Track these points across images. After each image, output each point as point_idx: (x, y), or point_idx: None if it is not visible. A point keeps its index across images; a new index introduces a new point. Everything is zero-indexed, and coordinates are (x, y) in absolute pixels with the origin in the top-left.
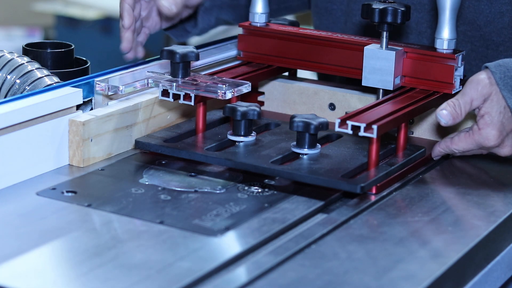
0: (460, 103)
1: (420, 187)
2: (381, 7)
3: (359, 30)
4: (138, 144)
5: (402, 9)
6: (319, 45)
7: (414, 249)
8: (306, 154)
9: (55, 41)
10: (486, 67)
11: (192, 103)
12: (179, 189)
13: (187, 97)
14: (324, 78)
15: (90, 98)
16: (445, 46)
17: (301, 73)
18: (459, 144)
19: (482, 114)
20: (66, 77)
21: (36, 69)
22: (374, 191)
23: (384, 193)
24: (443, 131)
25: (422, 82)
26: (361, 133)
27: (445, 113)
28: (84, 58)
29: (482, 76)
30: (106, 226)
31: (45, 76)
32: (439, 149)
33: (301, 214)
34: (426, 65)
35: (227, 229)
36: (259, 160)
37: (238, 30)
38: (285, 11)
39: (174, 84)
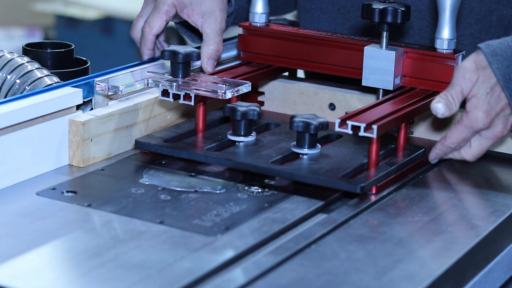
0: (451, 93)
1: (420, 187)
2: (381, 7)
3: (336, 28)
4: (138, 144)
5: (402, 9)
6: (319, 45)
7: (414, 249)
8: (306, 154)
9: (55, 41)
10: (478, 48)
11: (192, 103)
12: (179, 189)
13: (187, 97)
14: (318, 77)
15: (90, 98)
16: (445, 46)
17: (301, 73)
18: (451, 136)
19: (469, 98)
20: (66, 77)
21: (36, 69)
22: (374, 191)
23: (384, 193)
24: (443, 131)
25: (422, 82)
26: (361, 133)
27: (440, 105)
28: (84, 58)
29: (467, 64)
30: (106, 226)
31: (45, 76)
32: (436, 151)
33: (301, 214)
34: (426, 65)
35: (227, 229)
36: (259, 160)
37: (238, 30)
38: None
39: (174, 84)
